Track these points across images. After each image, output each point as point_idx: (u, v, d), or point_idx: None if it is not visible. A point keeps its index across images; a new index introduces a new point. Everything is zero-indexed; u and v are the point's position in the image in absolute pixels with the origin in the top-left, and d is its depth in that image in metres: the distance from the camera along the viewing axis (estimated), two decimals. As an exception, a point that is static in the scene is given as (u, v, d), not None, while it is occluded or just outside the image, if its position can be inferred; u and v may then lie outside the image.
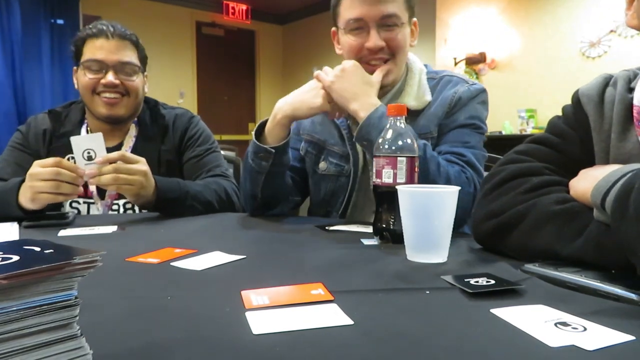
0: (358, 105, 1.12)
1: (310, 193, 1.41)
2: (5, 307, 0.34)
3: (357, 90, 1.14)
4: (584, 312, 0.54)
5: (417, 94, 1.24)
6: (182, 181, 1.38)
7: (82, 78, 1.46)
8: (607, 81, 0.85)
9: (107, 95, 1.45)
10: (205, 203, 1.36)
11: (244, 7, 7.56)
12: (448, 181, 1.06)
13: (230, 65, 7.90)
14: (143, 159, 1.27)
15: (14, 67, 5.13)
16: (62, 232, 1.11)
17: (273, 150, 1.17)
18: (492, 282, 0.64)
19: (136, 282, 0.71)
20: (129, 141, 1.53)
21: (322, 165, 1.34)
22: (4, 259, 0.36)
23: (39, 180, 1.16)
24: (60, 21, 5.60)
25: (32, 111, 5.16)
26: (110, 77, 1.44)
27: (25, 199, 1.19)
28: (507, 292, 0.62)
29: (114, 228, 1.13)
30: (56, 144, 1.50)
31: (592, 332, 0.49)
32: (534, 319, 0.52)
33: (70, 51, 1.50)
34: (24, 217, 1.20)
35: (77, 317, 0.38)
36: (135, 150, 1.51)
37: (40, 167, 1.17)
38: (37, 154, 1.48)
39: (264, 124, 1.21)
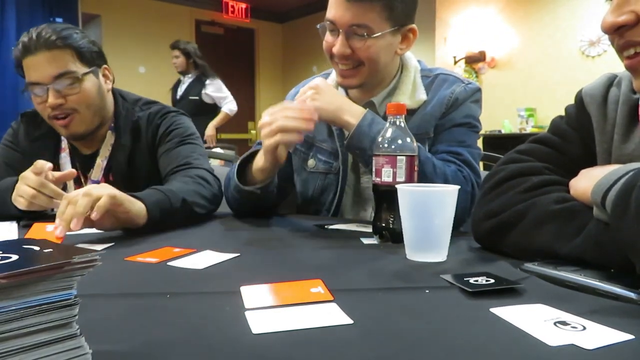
0: (348, 114, 1.12)
1: (298, 191, 1.39)
2: (4, 306, 0.34)
3: (340, 102, 1.14)
4: (583, 311, 0.54)
5: (411, 93, 1.23)
6: (157, 187, 1.18)
7: (34, 105, 1.35)
8: (612, 81, 0.85)
9: (58, 117, 1.33)
10: (196, 196, 1.22)
11: (244, 5, 7.56)
12: (446, 181, 1.06)
13: (229, 64, 7.89)
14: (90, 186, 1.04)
15: (9, 67, 5.12)
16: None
17: (259, 192, 1.15)
18: (492, 281, 0.64)
19: (135, 281, 0.71)
20: (105, 150, 1.43)
21: (311, 162, 1.33)
22: (3, 258, 0.36)
23: (24, 184, 1.14)
24: (59, 19, 5.59)
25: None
26: (51, 98, 1.29)
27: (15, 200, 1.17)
28: (507, 291, 0.62)
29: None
30: (32, 146, 1.45)
31: (591, 331, 0.49)
32: (533, 318, 0.52)
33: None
34: (21, 216, 1.20)
35: (77, 317, 0.38)
36: (111, 159, 1.43)
37: (32, 173, 1.14)
38: (25, 151, 1.45)
39: (246, 158, 1.19)
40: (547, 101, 5.17)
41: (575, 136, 0.86)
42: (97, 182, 1.41)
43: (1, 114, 5.02)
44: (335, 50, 1.16)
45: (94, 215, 0.94)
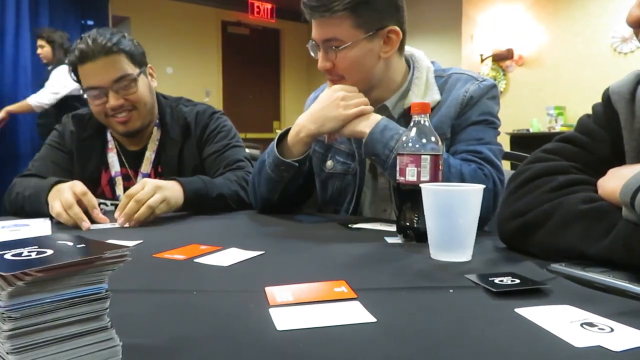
0: (362, 124, 1.12)
1: (317, 192, 1.41)
2: (39, 299, 0.35)
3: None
4: (611, 313, 0.53)
5: (424, 94, 1.22)
6: (203, 177, 1.38)
7: (91, 105, 1.46)
8: None
9: (118, 115, 1.43)
10: (233, 192, 1.38)
11: (269, 6, 7.60)
12: (463, 181, 1.05)
13: (255, 64, 7.96)
14: (143, 180, 1.24)
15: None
16: (93, 227, 1.14)
17: (297, 165, 1.18)
18: (517, 281, 0.64)
19: (163, 278, 0.73)
20: (153, 145, 1.53)
21: (329, 163, 1.34)
22: (38, 253, 0.37)
23: (57, 199, 1.19)
24: (90, 22, 5.71)
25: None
26: (112, 100, 1.40)
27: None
28: (532, 292, 0.61)
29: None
30: (80, 147, 1.52)
31: (619, 333, 0.48)
32: (559, 319, 0.51)
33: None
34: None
35: (108, 310, 0.39)
36: (159, 153, 1.53)
37: (67, 191, 1.19)
38: (71, 152, 1.52)
39: (283, 135, 1.22)
40: (577, 99, 5.05)
41: (603, 134, 0.85)
42: (148, 175, 1.52)
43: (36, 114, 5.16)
44: (318, 65, 1.22)
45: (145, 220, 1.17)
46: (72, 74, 1.44)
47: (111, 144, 1.54)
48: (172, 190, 1.24)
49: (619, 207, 0.68)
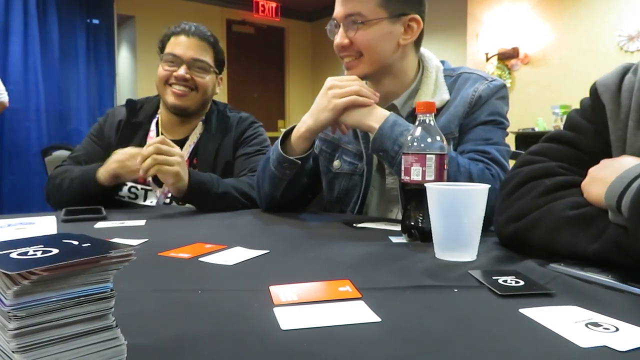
0: (371, 118, 1.11)
1: (324, 192, 1.40)
2: (45, 297, 0.35)
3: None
4: (616, 312, 0.53)
5: (434, 93, 1.22)
6: (212, 174, 1.43)
7: (159, 70, 1.58)
8: (627, 69, 0.84)
9: (177, 87, 1.55)
10: (241, 192, 1.42)
11: (274, 4, 7.59)
12: (470, 180, 1.04)
13: (259, 63, 7.96)
14: (179, 149, 1.34)
15: (53, 67, 5.29)
16: (99, 226, 1.14)
17: (299, 162, 1.18)
18: (522, 282, 0.64)
19: (168, 277, 0.73)
20: (194, 137, 1.62)
21: (336, 163, 1.33)
22: (44, 252, 0.37)
23: (117, 154, 1.37)
24: (95, 21, 5.73)
25: (67, 110, 5.32)
26: (181, 71, 1.54)
27: (103, 169, 1.38)
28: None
29: (142, 222, 1.17)
30: (124, 131, 1.60)
31: (624, 332, 0.48)
32: (564, 319, 0.51)
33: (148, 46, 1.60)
34: (99, 193, 1.39)
35: (113, 309, 0.39)
36: (197, 145, 1.60)
37: (126, 150, 1.38)
38: (109, 145, 1.58)
39: (288, 132, 1.22)
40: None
41: (589, 128, 0.85)
42: None
43: (52, 113, 5.20)
44: (335, 42, 1.21)
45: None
46: (158, 44, 1.61)
47: (152, 133, 1.62)
48: (185, 176, 1.33)
49: (605, 211, 0.68)
